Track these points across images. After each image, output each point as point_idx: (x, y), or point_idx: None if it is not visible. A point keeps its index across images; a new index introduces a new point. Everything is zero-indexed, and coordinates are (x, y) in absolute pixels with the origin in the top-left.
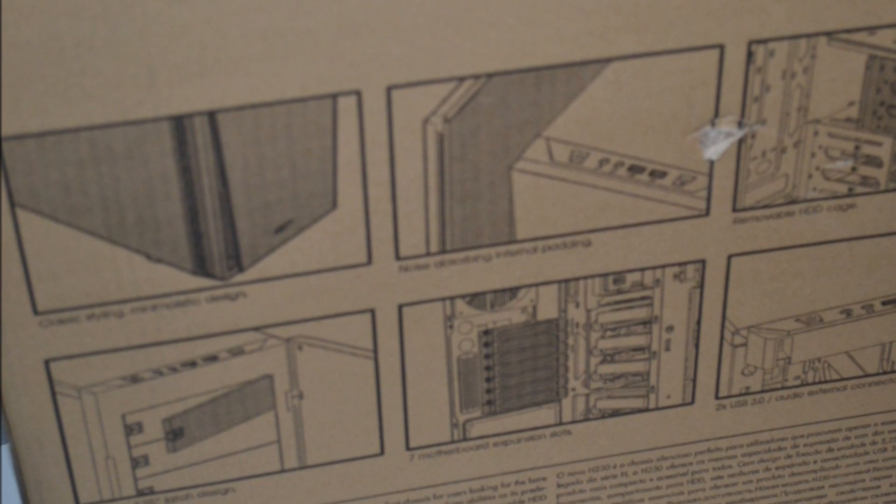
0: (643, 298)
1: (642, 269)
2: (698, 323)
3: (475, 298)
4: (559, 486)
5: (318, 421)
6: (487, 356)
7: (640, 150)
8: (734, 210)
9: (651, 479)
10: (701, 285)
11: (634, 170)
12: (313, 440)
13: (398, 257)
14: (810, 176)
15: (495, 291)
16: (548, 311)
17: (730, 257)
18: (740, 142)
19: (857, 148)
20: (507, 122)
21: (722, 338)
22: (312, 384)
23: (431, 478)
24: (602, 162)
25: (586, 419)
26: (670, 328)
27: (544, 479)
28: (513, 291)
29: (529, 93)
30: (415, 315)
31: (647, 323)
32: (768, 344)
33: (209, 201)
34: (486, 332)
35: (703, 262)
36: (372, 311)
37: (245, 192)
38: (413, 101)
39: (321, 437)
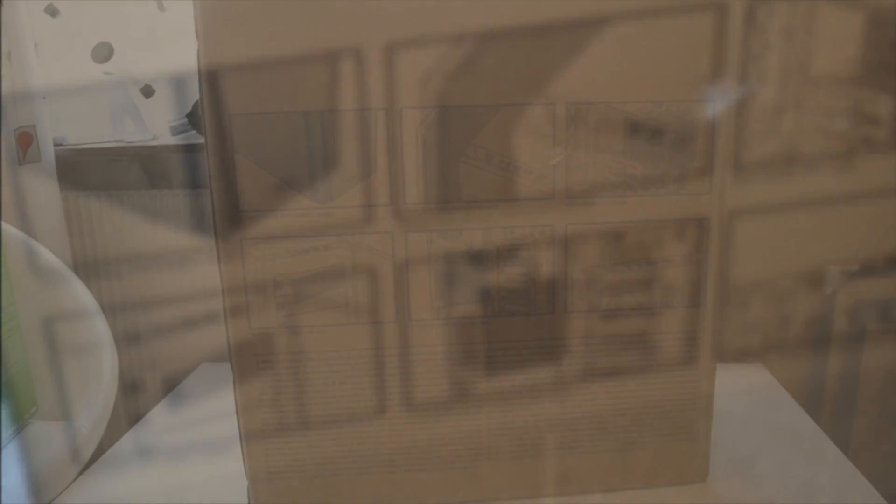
0: (644, 257)
1: (644, 228)
2: (699, 282)
3: (476, 256)
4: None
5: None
6: (487, 314)
7: (641, 109)
8: (735, 168)
9: None
10: (702, 244)
11: (635, 128)
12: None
13: (398, 218)
14: (810, 135)
15: (497, 248)
16: (548, 269)
17: (731, 216)
18: (741, 101)
19: (856, 107)
20: (507, 80)
21: (723, 297)
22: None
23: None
24: (603, 120)
25: (587, 378)
26: (671, 287)
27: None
28: (513, 249)
29: (530, 50)
30: (415, 274)
31: (647, 282)
32: (769, 302)
33: None
34: (487, 291)
35: (704, 220)
36: (371, 271)
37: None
38: (413, 59)
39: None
